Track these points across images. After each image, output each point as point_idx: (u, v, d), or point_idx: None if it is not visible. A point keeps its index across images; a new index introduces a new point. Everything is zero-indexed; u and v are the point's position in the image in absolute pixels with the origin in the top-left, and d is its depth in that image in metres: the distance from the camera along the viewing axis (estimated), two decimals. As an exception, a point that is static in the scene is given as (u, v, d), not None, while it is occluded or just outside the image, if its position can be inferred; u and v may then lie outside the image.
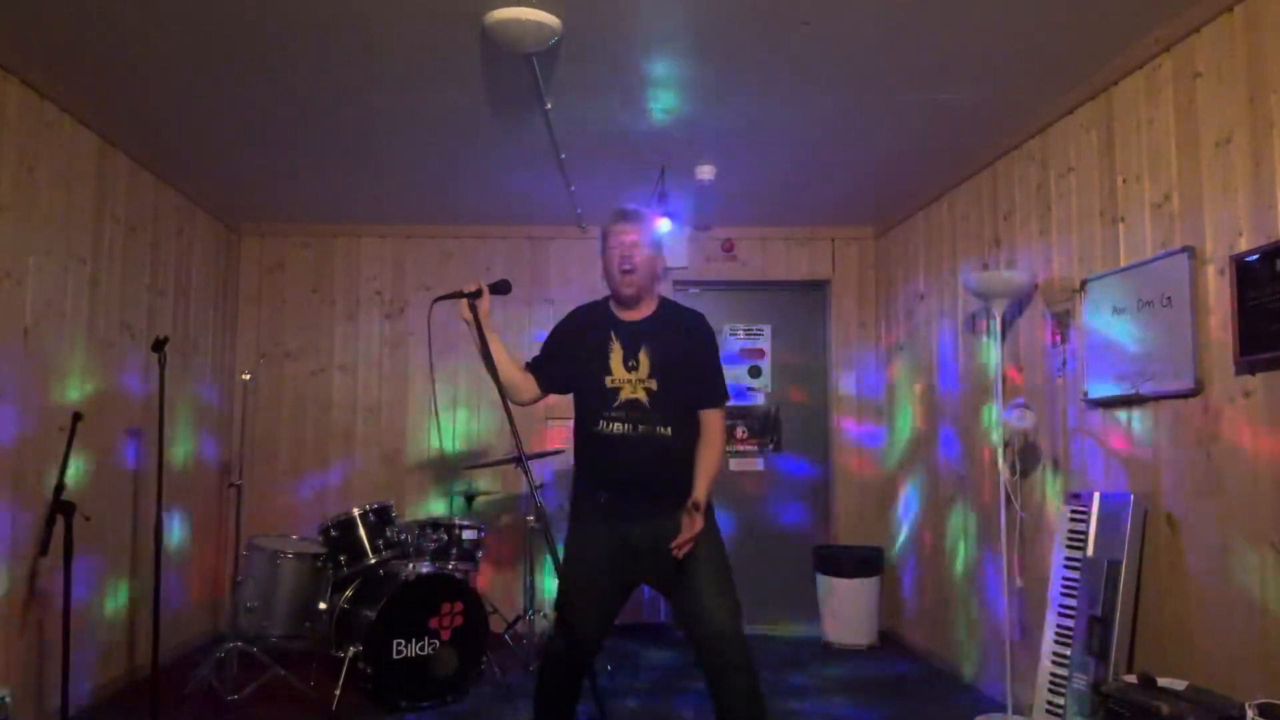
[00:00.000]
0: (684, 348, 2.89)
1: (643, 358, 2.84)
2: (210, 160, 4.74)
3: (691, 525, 2.67)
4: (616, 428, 2.81)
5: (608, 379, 2.84)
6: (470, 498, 5.27)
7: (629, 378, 2.83)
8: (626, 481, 2.82)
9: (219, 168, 4.87)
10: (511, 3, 3.06)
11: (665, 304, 2.99)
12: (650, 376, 2.82)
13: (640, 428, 2.80)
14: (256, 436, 5.79)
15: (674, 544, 2.66)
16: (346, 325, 6.00)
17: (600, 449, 2.84)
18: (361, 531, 4.53)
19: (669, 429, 2.82)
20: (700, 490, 2.76)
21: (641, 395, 2.82)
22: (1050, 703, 3.43)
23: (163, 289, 4.87)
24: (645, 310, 2.93)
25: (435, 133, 4.32)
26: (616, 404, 2.82)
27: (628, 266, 2.85)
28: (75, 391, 3.99)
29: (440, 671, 4.24)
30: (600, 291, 3.04)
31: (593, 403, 2.86)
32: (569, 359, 2.95)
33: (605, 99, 3.91)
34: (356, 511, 4.57)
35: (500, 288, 2.86)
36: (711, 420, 2.90)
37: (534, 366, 2.98)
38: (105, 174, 4.25)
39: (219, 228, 5.65)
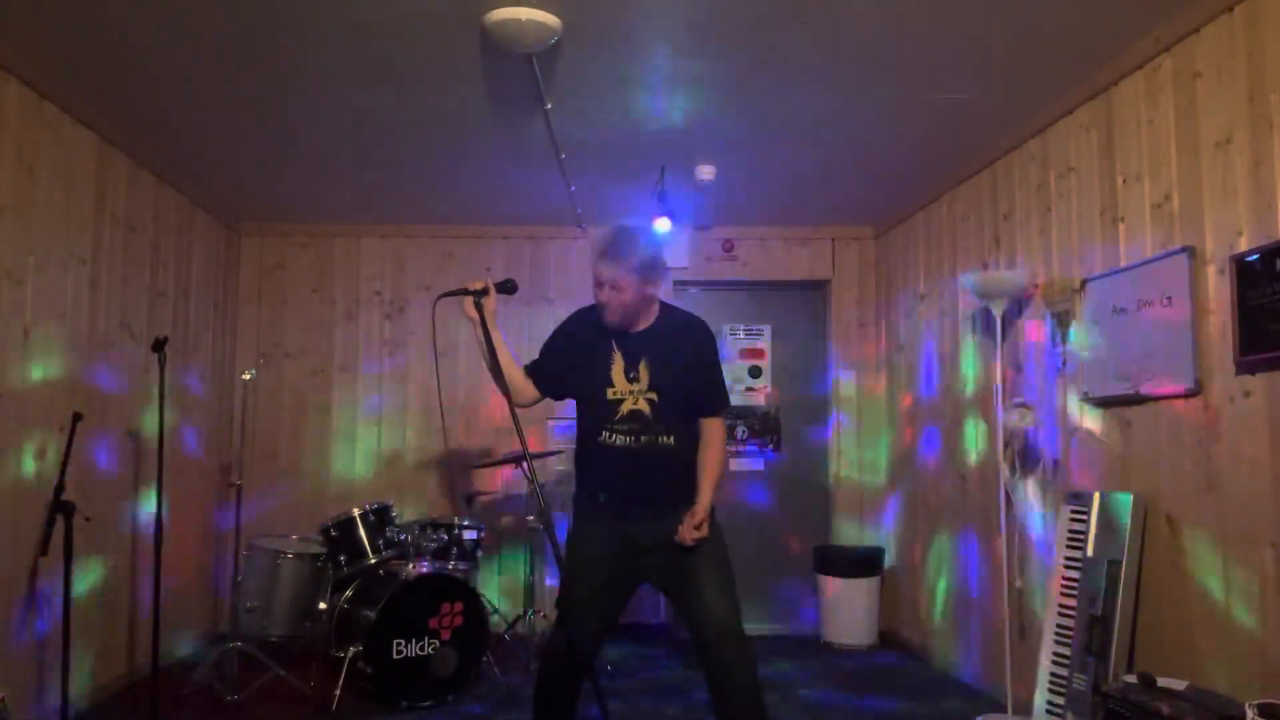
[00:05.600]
0: (685, 358, 2.88)
1: (643, 369, 2.83)
2: (210, 160, 4.74)
3: (698, 527, 2.71)
4: (619, 439, 2.81)
5: (609, 390, 2.83)
6: (470, 498, 5.26)
7: (630, 389, 2.82)
8: (630, 490, 2.82)
9: (219, 168, 4.87)
10: (511, 3, 3.06)
11: (665, 312, 2.96)
12: (651, 388, 2.82)
13: (643, 438, 2.80)
14: (256, 436, 5.80)
15: (679, 535, 2.71)
16: (346, 325, 6.00)
17: (604, 460, 2.84)
18: (361, 531, 4.53)
19: (671, 437, 2.83)
20: (704, 498, 2.78)
21: (644, 406, 2.81)
22: (1050, 703, 3.43)
23: (162, 289, 4.87)
24: (645, 322, 2.90)
25: (435, 133, 4.32)
26: (619, 416, 2.81)
27: (607, 314, 2.83)
28: (75, 391, 3.98)
29: (440, 671, 4.24)
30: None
31: (595, 415, 2.86)
32: (567, 366, 2.94)
33: (605, 99, 3.91)
34: (356, 511, 4.57)
35: (507, 287, 2.84)
36: (713, 427, 2.91)
37: (532, 370, 2.97)
38: (105, 174, 4.25)
39: (219, 228, 5.65)
